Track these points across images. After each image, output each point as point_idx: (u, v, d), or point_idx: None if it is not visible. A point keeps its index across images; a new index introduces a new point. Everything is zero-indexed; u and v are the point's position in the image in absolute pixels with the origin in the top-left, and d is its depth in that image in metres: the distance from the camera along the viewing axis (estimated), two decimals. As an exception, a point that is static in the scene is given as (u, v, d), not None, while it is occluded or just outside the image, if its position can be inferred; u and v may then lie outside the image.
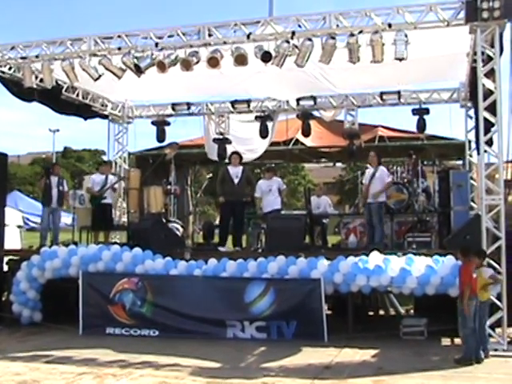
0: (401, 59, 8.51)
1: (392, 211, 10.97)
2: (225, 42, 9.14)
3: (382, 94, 12.10)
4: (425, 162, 11.96)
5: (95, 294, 8.98)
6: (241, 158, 11.23)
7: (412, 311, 10.19)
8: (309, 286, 8.30)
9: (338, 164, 28.63)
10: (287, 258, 8.71)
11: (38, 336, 8.90)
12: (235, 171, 10.87)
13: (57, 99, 11.75)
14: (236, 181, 10.80)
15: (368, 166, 10.81)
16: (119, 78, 9.76)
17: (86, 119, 13.14)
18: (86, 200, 11.93)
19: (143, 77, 9.70)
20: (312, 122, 12.87)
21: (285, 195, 12.01)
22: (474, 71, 8.91)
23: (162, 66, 9.36)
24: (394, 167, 12.19)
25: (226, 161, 12.70)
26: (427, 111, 11.78)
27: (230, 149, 12.94)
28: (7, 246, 11.08)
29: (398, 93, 11.99)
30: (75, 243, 10.58)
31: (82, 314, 8.89)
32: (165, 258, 9.19)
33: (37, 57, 9.94)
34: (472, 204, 10.89)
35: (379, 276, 8.18)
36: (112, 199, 12.07)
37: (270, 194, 11.06)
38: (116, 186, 12.12)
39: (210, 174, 23.65)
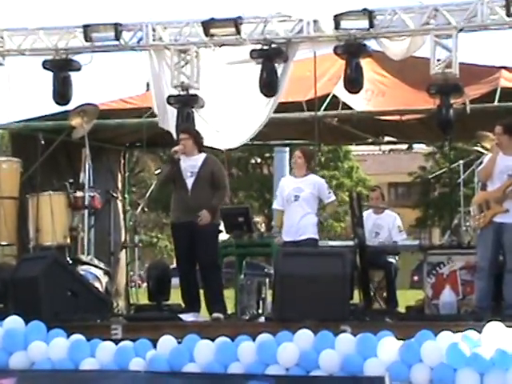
0: None
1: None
2: None
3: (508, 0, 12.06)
4: None
5: None
6: (198, 138, 11.40)
7: None
8: (361, 392, 8.38)
9: (418, 146, 28.61)
10: (317, 334, 8.74)
11: None
12: (189, 164, 11.04)
13: None
14: (190, 183, 10.95)
15: (482, 149, 10.80)
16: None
17: None
18: None
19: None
20: (365, 63, 12.87)
21: (329, 215, 12.00)
22: None
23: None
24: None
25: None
26: None
27: (200, 117, 13.00)
28: None
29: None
30: None
31: None
32: (71, 336, 9.24)
33: None
34: None
35: (504, 373, 8.20)
36: None
37: (294, 205, 11.21)
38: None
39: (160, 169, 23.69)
